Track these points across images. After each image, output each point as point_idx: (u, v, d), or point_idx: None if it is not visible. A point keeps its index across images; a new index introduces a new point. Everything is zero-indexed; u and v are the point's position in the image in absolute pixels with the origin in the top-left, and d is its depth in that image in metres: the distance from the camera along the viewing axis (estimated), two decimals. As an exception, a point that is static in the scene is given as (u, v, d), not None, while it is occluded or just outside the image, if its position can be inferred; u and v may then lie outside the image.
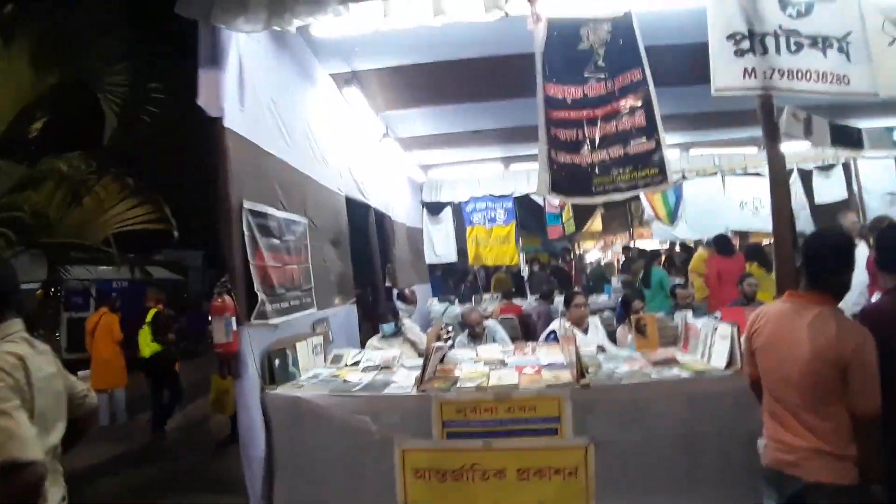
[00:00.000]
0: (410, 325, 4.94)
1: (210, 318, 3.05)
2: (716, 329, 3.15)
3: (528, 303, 8.73)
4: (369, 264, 6.78)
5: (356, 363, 3.78)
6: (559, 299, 8.20)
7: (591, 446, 2.81)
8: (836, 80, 3.21)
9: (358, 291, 6.02)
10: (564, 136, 3.44)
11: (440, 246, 9.65)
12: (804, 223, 9.18)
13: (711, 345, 3.13)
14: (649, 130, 3.34)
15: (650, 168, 3.34)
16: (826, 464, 1.86)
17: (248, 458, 3.03)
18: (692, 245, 10.01)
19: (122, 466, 5.33)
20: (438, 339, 3.57)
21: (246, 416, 3.03)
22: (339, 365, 3.79)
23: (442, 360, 3.57)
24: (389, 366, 3.65)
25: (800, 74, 3.18)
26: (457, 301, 8.42)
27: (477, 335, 4.70)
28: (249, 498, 3.02)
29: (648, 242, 16.04)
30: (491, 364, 3.40)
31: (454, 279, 10.95)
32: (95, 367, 6.84)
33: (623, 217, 15.12)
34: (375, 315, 4.83)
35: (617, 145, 3.39)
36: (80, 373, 4.69)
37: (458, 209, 9.78)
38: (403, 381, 3.18)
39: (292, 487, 3.05)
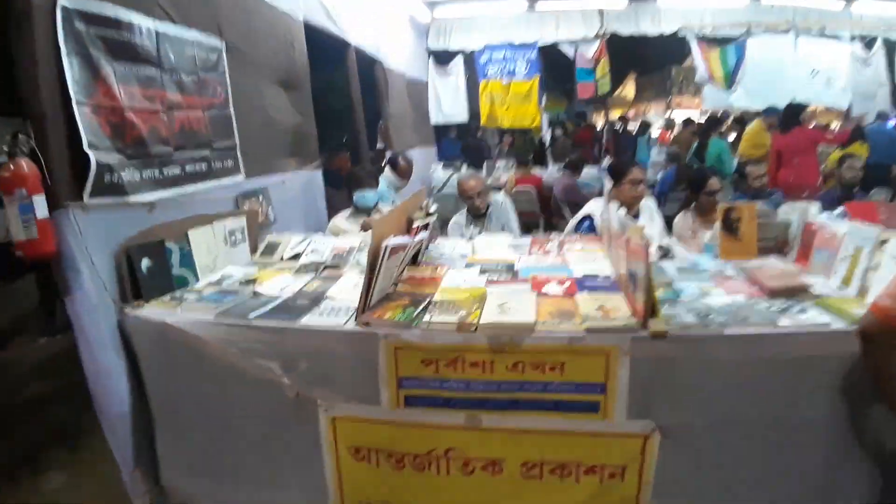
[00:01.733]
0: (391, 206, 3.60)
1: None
2: (883, 242, 1.75)
3: (550, 173, 7.25)
4: (349, 120, 5.25)
5: (296, 257, 2.52)
6: (589, 171, 6.71)
7: (653, 435, 1.59)
8: None
9: (328, 155, 4.61)
10: None
11: (448, 103, 7.92)
12: (882, 102, 7.47)
13: (873, 268, 1.75)
14: None
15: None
16: None
17: (104, 414, 1.89)
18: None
19: None
20: (410, 224, 2.21)
21: (88, 352, 1.83)
22: (269, 259, 2.53)
23: (416, 260, 2.28)
24: (339, 264, 2.38)
25: None
26: (464, 167, 6.93)
27: (477, 213, 3.37)
28: (121, 468, 1.95)
29: (688, 114, 13.97)
30: (491, 271, 2.09)
31: (470, 141, 9.23)
32: None
33: (660, 84, 12.91)
34: (349, 180, 3.46)
35: None
36: None
37: (470, 59, 7.83)
38: (347, 294, 1.92)
39: (182, 458, 1.96)
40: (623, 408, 1.58)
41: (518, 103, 7.68)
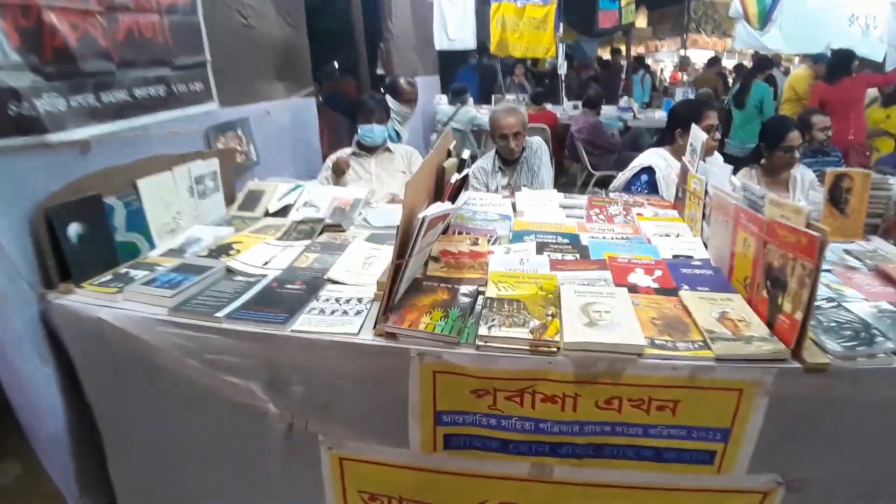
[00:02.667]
0: (402, 141, 2.98)
1: None
2: None
3: (564, 110, 6.55)
4: (347, 43, 4.48)
5: (284, 210, 1.96)
6: (609, 110, 6.03)
7: (776, 491, 1.13)
8: None
9: (330, 78, 3.90)
10: None
11: (454, 27, 6.99)
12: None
13: None
14: None
15: None
16: None
17: (32, 434, 1.37)
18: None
19: None
20: (441, 176, 1.62)
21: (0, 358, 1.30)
22: (251, 214, 1.96)
23: (446, 230, 1.72)
24: (341, 223, 1.82)
25: None
26: (471, 100, 6.17)
27: (511, 158, 2.70)
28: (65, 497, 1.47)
29: (703, 54, 12.98)
30: (551, 245, 1.55)
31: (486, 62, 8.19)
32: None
33: (678, 16, 11.79)
34: (355, 110, 2.82)
35: None
36: None
37: (481, -24, 6.92)
38: (356, 275, 1.39)
39: (141, 485, 1.47)
40: (745, 459, 1.11)
41: (532, 30, 6.80)
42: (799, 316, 1.02)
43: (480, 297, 1.23)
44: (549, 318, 1.13)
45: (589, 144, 5.31)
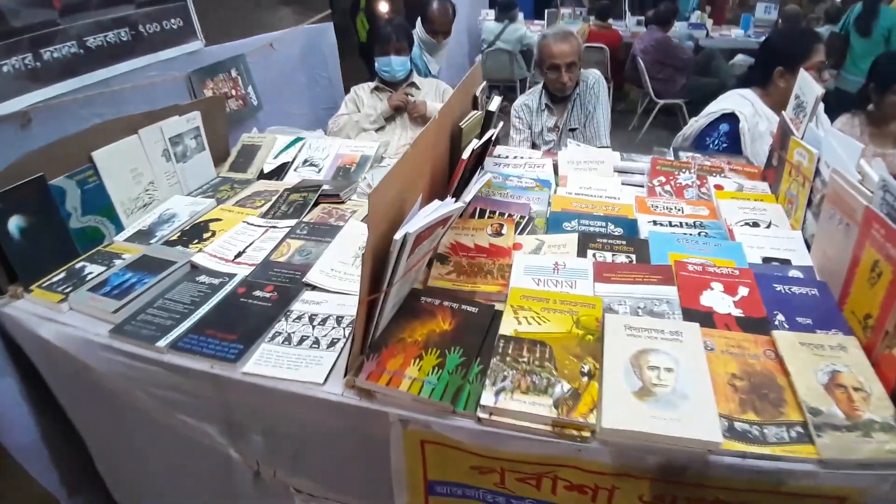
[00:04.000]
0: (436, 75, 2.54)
1: None
2: None
3: (627, 27, 5.70)
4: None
5: (280, 170, 1.66)
6: (679, 27, 5.17)
7: None
8: None
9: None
10: None
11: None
12: None
13: None
14: None
15: None
16: None
17: (10, 447, 1.23)
18: None
19: None
20: (456, 146, 1.25)
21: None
22: (242, 176, 1.67)
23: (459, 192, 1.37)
24: (341, 190, 1.50)
25: None
26: (521, 16, 5.43)
27: (561, 94, 2.21)
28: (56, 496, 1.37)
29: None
30: (599, 237, 1.19)
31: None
32: None
33: None
34: (369, 39, 2.42)
35: None
36: None
37: None
38: (344, 279, 1.11)
39: (131, 479, 1.34)
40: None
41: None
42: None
43: (487, 345, 0.91)
44: (585, 379, 0.81)
45: (655, 66, 4.60)
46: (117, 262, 1.21)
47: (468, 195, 1.01)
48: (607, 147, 2.15)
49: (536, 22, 5.87)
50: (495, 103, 1.47)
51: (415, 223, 0.79)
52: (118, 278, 1.14)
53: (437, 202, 0.87)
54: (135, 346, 0.96)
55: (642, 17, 5.46)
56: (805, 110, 1.29)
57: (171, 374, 0.93)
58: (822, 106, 1.91)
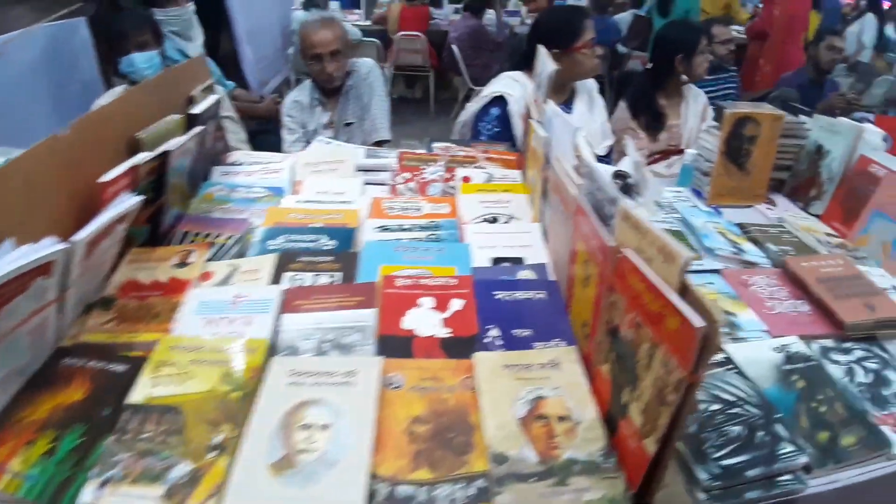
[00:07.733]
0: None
1: None
2: None
3: (445, 15, 5.68)
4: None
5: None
6: (493, 14, 5.26)
7: None
8: None
9: None
10: None
11: None
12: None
13: None
14: None
15: None
16: None
17: None
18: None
19: None
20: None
21: None
22: None
23: (175, 223, 1.03)
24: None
25: None
26: (337, 4, 5.15)
27: (329, 87, 1.99)
28: None
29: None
30: (310, 256, 0.98)
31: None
32: None
33: None
34: (110, 38, 1.94)
35: None
36: None
37: None
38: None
39: None
40: None
41: None
42: (651, 447, 0.55)
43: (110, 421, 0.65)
44: (213, 454, 0.59)
45: (471, 52, 4.62)
46: None
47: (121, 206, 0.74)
48: (388, 140, 1.99)
49: (356, 11, 5.61)
50: (205, 104, 1.20)
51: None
52: None
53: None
54: None
55: (460, 6, 5.48)
56: (542, 87, 1.21)
57: None
58: (597, 87, 1.93)
